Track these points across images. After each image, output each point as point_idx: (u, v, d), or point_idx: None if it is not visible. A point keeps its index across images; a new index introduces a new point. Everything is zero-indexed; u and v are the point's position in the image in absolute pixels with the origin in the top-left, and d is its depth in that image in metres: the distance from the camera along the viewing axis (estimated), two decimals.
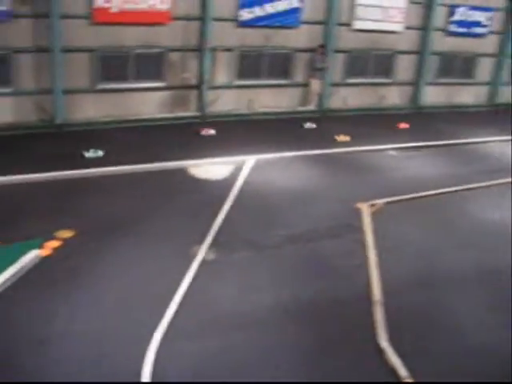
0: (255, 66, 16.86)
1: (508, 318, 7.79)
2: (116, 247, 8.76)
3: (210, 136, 14.87)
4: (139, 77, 15.41)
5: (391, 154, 14.15)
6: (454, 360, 6.92)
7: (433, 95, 20.10)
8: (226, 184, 11.51)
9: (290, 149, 13.85)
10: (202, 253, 8.70)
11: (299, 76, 17.58)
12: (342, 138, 15.23)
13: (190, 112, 16.32)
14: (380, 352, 6.84)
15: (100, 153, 12.58)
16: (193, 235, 9.19)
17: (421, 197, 11.67)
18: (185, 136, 14.67)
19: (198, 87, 16.16)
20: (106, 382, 5.56)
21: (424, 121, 18.25)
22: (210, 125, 15.53)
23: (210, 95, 16.30)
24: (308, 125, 16.49)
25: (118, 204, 10.30)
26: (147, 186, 11.20)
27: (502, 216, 11.22)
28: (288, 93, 17.59)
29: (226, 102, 16.66)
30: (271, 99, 17.26)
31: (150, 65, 15.43)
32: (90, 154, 12.49)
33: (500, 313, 7.96)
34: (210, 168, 12.28)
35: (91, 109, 14.96)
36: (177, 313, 7.22)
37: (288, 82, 17.53)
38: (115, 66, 15.00)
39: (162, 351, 6.47)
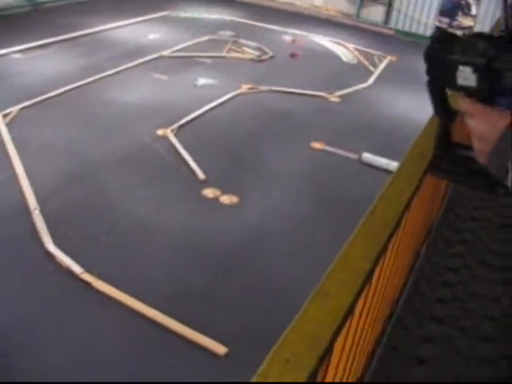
0: None
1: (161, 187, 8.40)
2: None
3: None
4: None
5: (15, 58, 13.32)
6: (121, 243, 7.27)
7: None
8: None
9: None
10: None
11: None
12: None
13: None
14: (51, 257, 6.81)
15: None
16: None
17: (56, 95, 11.36)
18: None
19: None
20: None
21: (44, 17, 17.37)
22: None
23: None
24: None
25: None
26: None
27: (137, 96, 11.66)
28: None
29: None
30: None
31: None
32: None
33: (149, 187, 8.54)
34: None
35: None
36: None
37: None
38: None
39: None
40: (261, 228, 7.78)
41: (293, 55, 15.45)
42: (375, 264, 1.54)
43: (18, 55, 13.44)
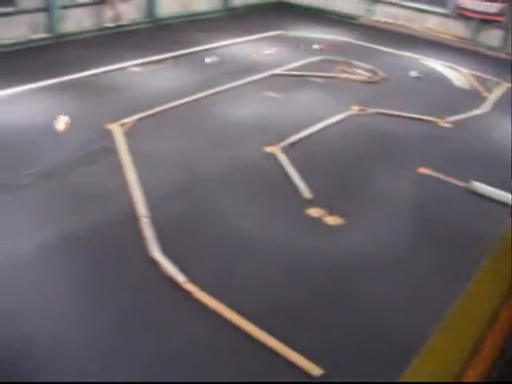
0: None
1: (266, 204, 8.55)
2: None
3: None
4: None
5: (134, 71, 13.97)
6: (224, 255, 7.43)
7: (168, 5, 19.86)
8: None
9: (31, 81, 12.87)
10: None
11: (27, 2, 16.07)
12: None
13: None
14: (155, 264, 7.06)
15: None
16: None
17: (170, 108, 11.82)
18: None
19: None
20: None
21: (163, 33, 18.15)
22: None
23: None
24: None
25: None
26: None
27: (248, 113, 11.91)
28: (17, 21, 16.05)
29: None
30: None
31: None
32: None
33: (255, 202, 8.67)
34: None
35: None
36: None
37: (13, 9, 15.94)
38: None
39: None
40: (363, 251, 7.68)
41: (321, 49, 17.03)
42: (501, 304, 1.49)
43: (137, 68, 14.10)
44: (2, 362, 5.65)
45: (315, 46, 17.18)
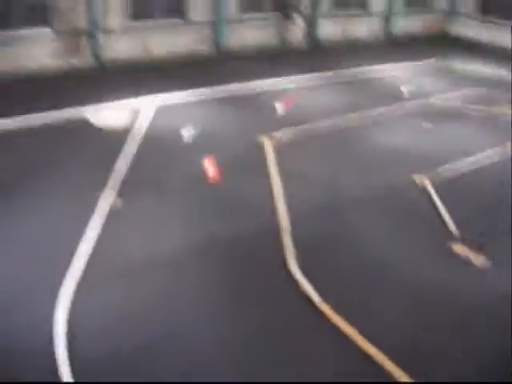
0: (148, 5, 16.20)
1: (409, 233, 8.42)
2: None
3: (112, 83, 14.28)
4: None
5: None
6: (361, 279, 7.38)
7: (328, 30, 20.12)
8: (128, 129, 11.24)
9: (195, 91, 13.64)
10: (108, 201, 8.56)
11: (195, 15, 17.11)
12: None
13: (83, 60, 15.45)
14: (292, 279, 7.13)
15: None
16: (98, 185, 8.98)
17: (321, 127, 12.02)
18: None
19: (90, 32, 15.19)
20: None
21: (321, 55, 18.43)
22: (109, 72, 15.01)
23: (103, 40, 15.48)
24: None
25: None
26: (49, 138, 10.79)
27: (398, 140, 11.84)
28: (185, 33, 17.08)
29: (121, 47, 15.90)
30: (168, 40, 16.70)
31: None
32: None
33: (397, 230, 8.55)
34: (112, 114, 11.89)
35: None
36: (89, 263, 7.16)
37: (183, 21, 17.00)
38: None
39: (76, 302, 6.48)
40: (506, 295, 7.23)
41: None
42: None
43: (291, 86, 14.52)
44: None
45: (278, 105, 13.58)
